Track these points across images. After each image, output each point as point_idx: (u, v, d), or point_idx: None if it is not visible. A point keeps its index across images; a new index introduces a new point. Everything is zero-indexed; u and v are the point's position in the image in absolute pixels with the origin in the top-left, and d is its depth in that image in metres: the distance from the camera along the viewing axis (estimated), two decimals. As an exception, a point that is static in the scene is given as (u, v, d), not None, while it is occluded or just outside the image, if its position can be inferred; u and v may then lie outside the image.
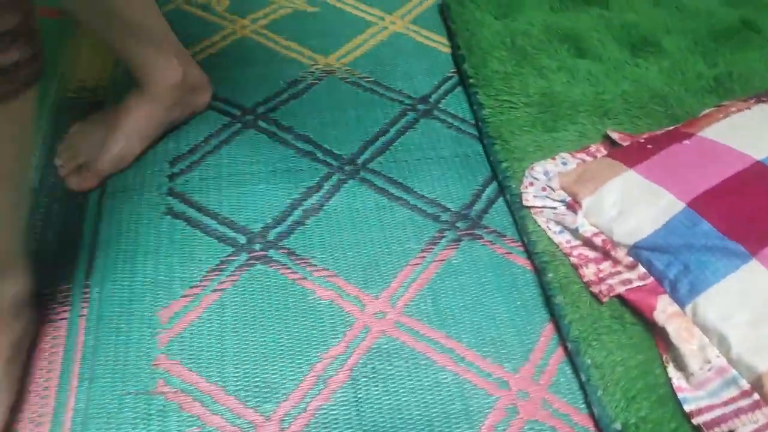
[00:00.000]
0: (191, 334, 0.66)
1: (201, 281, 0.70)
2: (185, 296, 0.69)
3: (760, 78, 0.95)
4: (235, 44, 1.00)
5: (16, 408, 0.58)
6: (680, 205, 0.67)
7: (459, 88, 0.97)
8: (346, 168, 0.84)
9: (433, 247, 0.76)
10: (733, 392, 0.58)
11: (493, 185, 0.84)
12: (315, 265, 0.73)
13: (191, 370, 0.63)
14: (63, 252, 0.71)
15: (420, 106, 0.93)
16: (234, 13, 1.05)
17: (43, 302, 0.67)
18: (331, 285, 0.71)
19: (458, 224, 0.79)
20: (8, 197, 0.52)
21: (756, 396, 0.57)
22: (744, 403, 0.57)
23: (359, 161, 0.85)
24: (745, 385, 0.58)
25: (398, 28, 1.07)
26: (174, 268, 0.71)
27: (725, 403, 0.58)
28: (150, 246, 0.73)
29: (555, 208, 0.76)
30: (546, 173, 0.80)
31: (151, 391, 0.61)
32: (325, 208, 0.79)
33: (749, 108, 0.77)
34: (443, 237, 0.77)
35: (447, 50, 1.04)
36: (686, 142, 0.74)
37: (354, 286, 0.71)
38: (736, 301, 0.60)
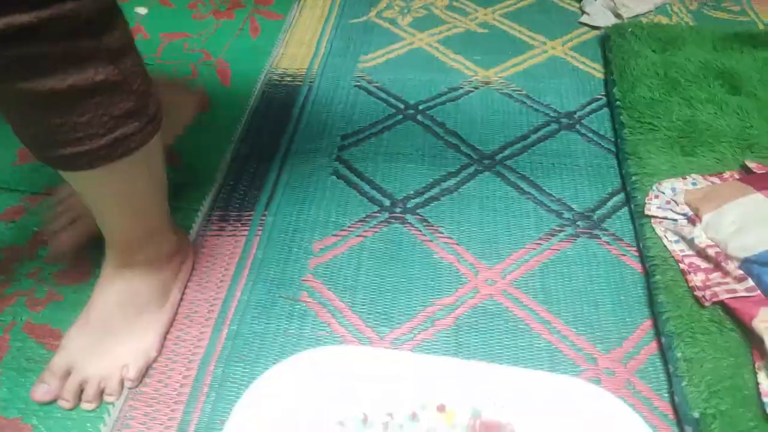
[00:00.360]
0: (334, 263, 0.81)
1: (349, 227, 0.86)
2: (335, 235, 0.85)
3: None
4: (411, 52, 1.17)
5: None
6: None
7: (605, 110, 1.05)
8: (485, 161, 0.95)
9: (551, 237, 0.84)
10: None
11: (620, 196, 0.90)
12: (442, 233, 0.85)
13: (329, 290, 0.78)
14: (252, 187, 0.91)
15: (564, 120, 1.02)
16: (415, 28, 1.23)
17: (231, 222, 0.86)
18: (452, 251, 0.83)
19: (579, 223, 0.86)
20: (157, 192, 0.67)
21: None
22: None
23: (497, 157, 0.96)
24: (834, 398, 0.58)
25: (557, 53, 1.16)
26: (331, 214, 0.88)
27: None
28: (315, 195, 0.90)
29: (676, 220, 0.80)
30: (673, 189, 0.84)
31: (297, 298, 0.77)
32: (459, 190, 0.91)
33: None
34: (562, 231, 0.85)
35: (600, 76, 1.12)
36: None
37: (472, 255, 0.82)
38: (841, 319, 0.60)
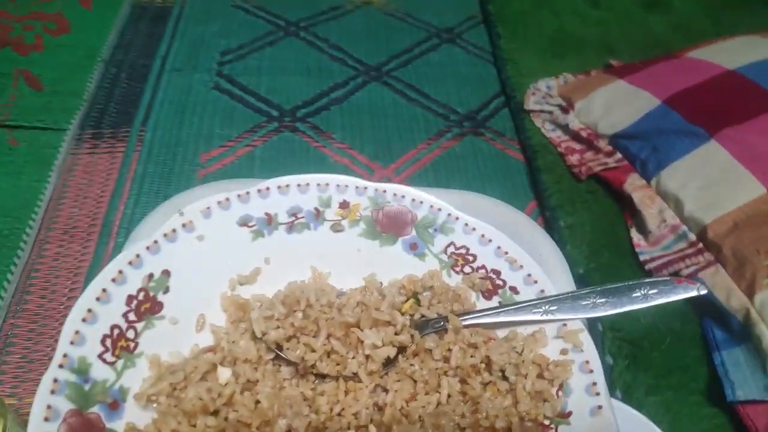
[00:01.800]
0: (223, 173, 0.77)
1: (236, 138, 0.82)
2: (222, 146, 0.81)
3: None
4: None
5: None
6: (657, 102, 0.76)
7: (482, 26, 1.08)
8: (371, 73, 0.95)
9: (439, 137, 0.86)
10: (682, 245, 0.66)
11: (500, 99, 0.94)
12: (334, 139, 0.84)
13: (221, 196, 0.74)
14: (126, 105, 0.85)
15: (444, 35, 1.05)
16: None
17: (106, 139, 0.80)
18: (346, 154, 0.82)
19: (465, 123, 0.89)
20: None
21: (700, 245, 0.65)
22: (690, 251, 0.65)
23: (384, 69, 0.96)
24: (692, 237, 0.66)
25: (433, -24, 1.18)
26: (215, 126, 0.83)
27: (674, 253, 0.66)
28: (197, 109, 0.86)
29: (551, 112, 0.86)
30: (548, 86, 0.90)
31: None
32: (348, 99, 0.90)
33: (735, 38, 0.85)
34: (449, 131, 0.88)
35: (476, -4, 1.15)
36: (673, 60, 0.83)
37: (366, 157, 0.82)
38: (693, 171, 0.68)
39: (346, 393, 0.37)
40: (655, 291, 0.40)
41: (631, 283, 0.40)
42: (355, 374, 0.38)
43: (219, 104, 0.87)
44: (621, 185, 0.73)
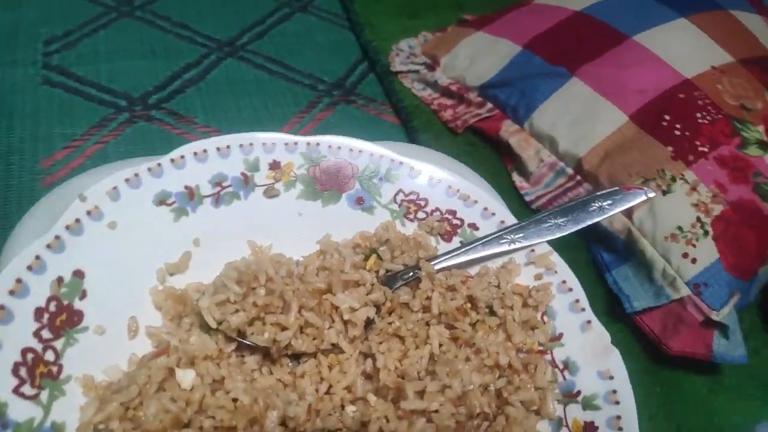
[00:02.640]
0: (74, 176, 0.67)
1: (82, 136, 0.72)
2: (67, 147, 0.70)
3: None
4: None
5: None
6: (517, 48, 0.78)
7: (332, -7, 1.05)
8: (225, 49, 0.88)
9: (311, 109, 0.83)
10: (562, 180, 0.70)
11: (365, 64, 0.92)
12: (197, 123, 0.77)
13: (77, 202, 0.65)
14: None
15: (294, 3, 1.00)
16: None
17: None
18: (214, 138, 0.75)
19: (334, 92, 0.86)
20: None
21: (579, 177, 0.68)
22: (570, 184, 0.69)
23: (238, 44, 0.90)
24: (570, 171, 0.69)
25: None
26: (54, 126, 0.72)
27: (556, 189, 0.69)
28: (27, 109, 0.73)
29: (418, 71, 0.85)
30: (410, 46, 0.89)
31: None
32: (205, 79, 0.83)
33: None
34: (320, 102, 0.84)
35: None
36: (523, 8, 0.86)
37: (237, 139, 0.76)
38: (561, 109, 0.71)
39: (330, 368, 0.33)
40: (609, 202, 0.40)
41: (584, 198, 0.40)
42: (335, 345, 0.34)
43: (53, 100, 0.75)
44: (497, 133, 0.75)
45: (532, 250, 0.39)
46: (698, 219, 0.60)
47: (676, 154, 0.65)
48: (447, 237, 0.40)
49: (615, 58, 0.72)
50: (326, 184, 0.41)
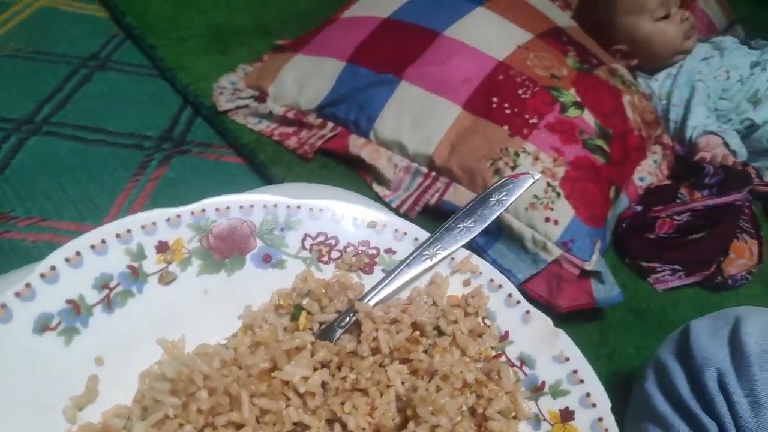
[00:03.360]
0: None
1: None
2: None
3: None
4: None
5: None
6: (342, 64, 0.79)
7: (129, 42, 0.97)
8: (24, 127, 0.78)
9: (144, 169, 0.76)
10: (419, 179, 0.72)
11: (188, 110, 0.87)
12: (17, 217, 0.67)
13: None
14: None
15: (91, 63, 0.91)
16: None
17: None
18: (42, 228, 0.66)
19: (164, 146, 0.80)
20: None
21: (434, 173, 0.71)
22: (428, 182, 0.71)
23: (37, 119, 0.80)
24: (424, 170, 0.72)
25: (47, 4, 1.02)
26: None
27: (417, 189, 0.71)
28: None
29: (247, 105, 0.83)
30: (232, 82, 0.86)
31: None
32: (10, 166, 0.73)
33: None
34: (152, 160, 0.78)
35: (105, 14, 1.03)
36: (333, 25, 0.87)
37: (71, 222, 0.68)
38: (399, 114, 0.74)
39: None
40: (504, 194, 0.41)
41: (481, 195, 0.41)
42: (297, 424, 0.30)
43: None
44: (346, 150, 0.75)
45: (452, 259, 0.39)
46: (548, 184, 0.66)
47: (512, 131, 0.70)
48: (368, 269, 0.38)
49: (434, 55, 0.76)
50: (225, 251, 0.36)
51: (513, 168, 0.67)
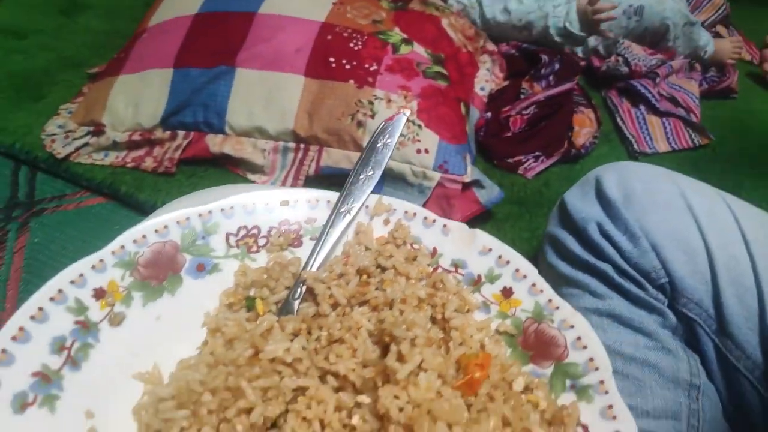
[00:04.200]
0: None
1: None
2: None
3: None
4: None
5: None
6: (170, 71, 0.77)
7: None
8: None
9: (3, 244, 0.70)
10: (291, 155, 0.73)
11: (24, 169, 0.80)
12: None
13: None
14: None
15: None
16: None
17: None
18: None
19: (14, 214, 0.73)
20: None
21: (303, 144, 0.73)
22: (301, 153, 0.73)
23: None
24: (293, 145, 0.73)
25: None
26: None
27: (292, 164, 0.73)
28: None
29: (87, 143, 0.78)
30: (60, 126, 0.80)
31: None
32: None
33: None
34: (7, 232, 0.71)
35: None
36: (144, 36, 0.84)
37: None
38: (248, 100, 0.74)
39: (309, 407, 0.30)
40: (386, 137, 0.43)
41: (368, 145, 0.43)
42: (297, 389, 0.31)
43: None
44: (207, 151, 0.74)
45: (367, 206, 0.41)
46: (408, 120, 0.70)
47: (358, 84, 0.73)
48: (297, 243, 0.39)
49: (258, 35, 0.76)
50: (160, 276, 0.36)
51: (372, 117, 0.71)
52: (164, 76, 0.77)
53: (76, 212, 0.75)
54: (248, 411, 0.30)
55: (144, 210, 0.73)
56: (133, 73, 0.79)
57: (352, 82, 0.73)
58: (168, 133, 0.76)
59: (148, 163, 0.75)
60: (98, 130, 0.78)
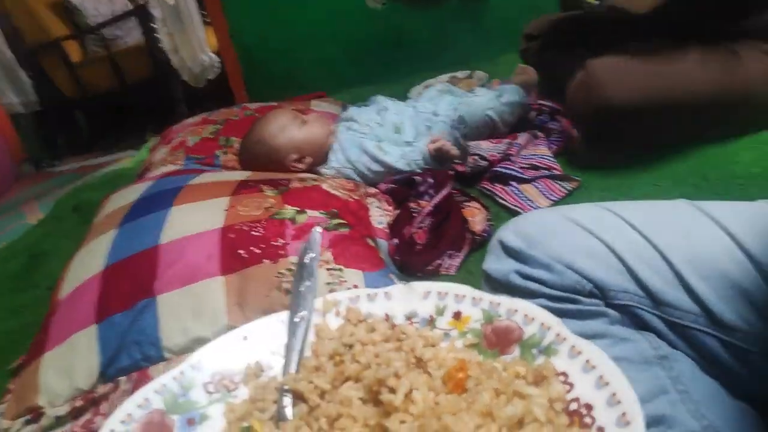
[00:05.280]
0: None
1: None
2: None
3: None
4: None
5: None
6: (93, 328, 0.78)
7: None
8: None
9: None
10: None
11: None
12: None
13: None
14: None
15: None
16: None
17: None
18: None
19: None
20: None
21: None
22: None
23: None
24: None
25: None
26: None
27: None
28: None
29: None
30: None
31: None
32: None
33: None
34: None
35: None
36: (57, 310, 0.85)
37: None
38: (177, 319, 0.75)
39: None
40: (309, 252, 0.47)
41: (299, 263, 0.47)
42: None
43: None
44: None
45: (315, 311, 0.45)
46: (327, 269, 0.75)
47: (272, 259, 0.78)
48: (268, 366, 0.41)
49: (168, 261, 0.81)
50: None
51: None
52: (89, 333, 0.78)
53: None
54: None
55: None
56: (57, 346, 0.79)
57: (266, 261, 0.78)
58: (110, 385, 0.75)
59: (100, 422, 0.72)
60: (37, 415, 0.75)
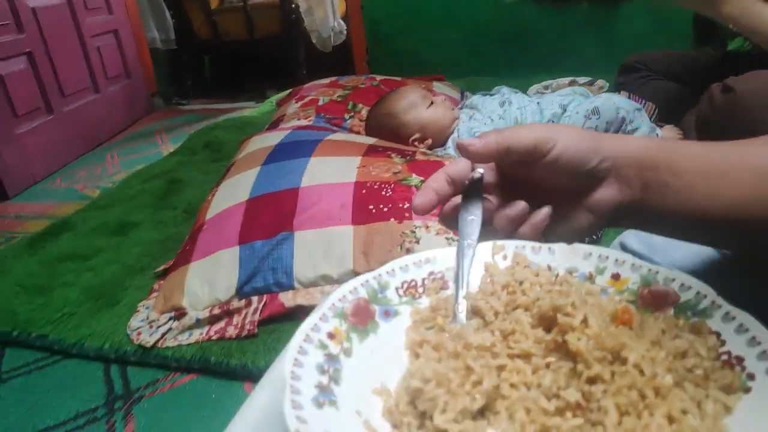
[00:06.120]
0: None
1: None
2: None
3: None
4: None
5: None
6: (236, 248, 0.90)
7: (8, 350, 0.95)
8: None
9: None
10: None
11: (115, 366, 0.87)
12: None
13: None
14: None
15: (-14, 384, 0.87)
16: None
17: None
18: None
19: (116, 405, 0.80)
20: None
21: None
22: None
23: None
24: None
25: None
26: None
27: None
28: None
29: (171, 328, 0.87)
30: (142, 320, 0.90)
31: None
32: None
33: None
34: (114, 422, 0.77)
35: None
36: (205, 227, 0.98)
37: None
38: (309, 256, 0.86)
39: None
40: (471, 186, 0.56)
41: (462, 193, 0.57)
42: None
43: None
44: (283, 308, 0.84)
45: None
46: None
47: (398, 220, 0.86)
48: (445, 286, 0.48)
49: (306, 203, 0.91)
50: (363, 322, 0.45)
51: (417, 242, 0.83)
52: (232, 253, 0.90)
53: (172, 392, 0.81)
54: (479, 383, 0.38)
55: (236, 375, 0.80)
56: (203, 258, 0.92)
57: (392, 220, 0.87)
58: (243, 301, 0.87)
59: (231, 331, 0.84)
60: (180, 314, 0.88)
